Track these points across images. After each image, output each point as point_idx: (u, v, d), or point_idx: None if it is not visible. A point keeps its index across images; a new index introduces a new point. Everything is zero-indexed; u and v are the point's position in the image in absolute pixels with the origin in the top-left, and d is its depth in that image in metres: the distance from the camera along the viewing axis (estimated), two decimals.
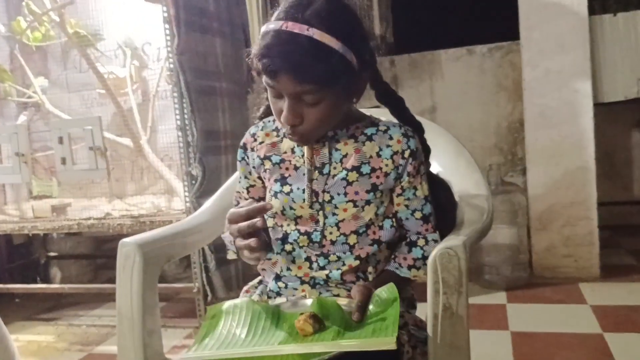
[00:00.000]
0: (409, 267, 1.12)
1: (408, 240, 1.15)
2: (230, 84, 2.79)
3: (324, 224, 1.10)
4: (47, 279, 3.45)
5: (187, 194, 2.55)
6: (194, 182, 2.53)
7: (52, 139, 2.71)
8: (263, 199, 1.20)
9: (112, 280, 1.27)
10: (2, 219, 2.99)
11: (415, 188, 1.12)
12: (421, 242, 1.13)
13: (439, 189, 1.20)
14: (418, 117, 1.21)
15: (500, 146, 3.53)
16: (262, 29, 0.99)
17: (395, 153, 1.10)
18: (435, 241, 1.13)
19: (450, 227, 1.17)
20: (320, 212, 1.10)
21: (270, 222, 1.15)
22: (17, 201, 3.18)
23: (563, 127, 2.88)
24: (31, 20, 2.98)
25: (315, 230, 1.11)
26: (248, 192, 1.22)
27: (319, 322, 0.96)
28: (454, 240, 1.00)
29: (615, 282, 2.83)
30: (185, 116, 2.50)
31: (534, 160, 2.96)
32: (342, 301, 1.01)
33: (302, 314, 0.98)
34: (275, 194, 1.13)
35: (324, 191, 1.10)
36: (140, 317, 1.22)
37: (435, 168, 1.35)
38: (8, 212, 3.11)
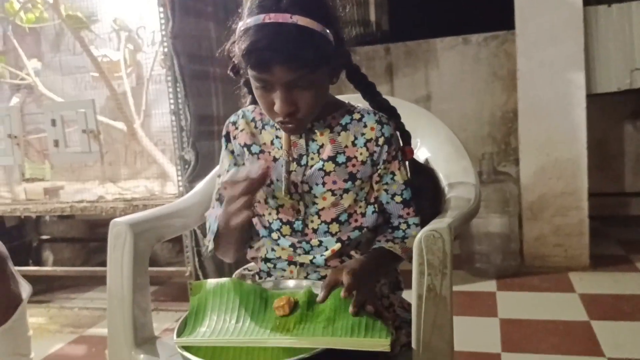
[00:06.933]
0: (387, 241, 1.13)
1: (391, 224, 1.17)
2: (224, 68, 2.77)
3: (305, 212, 1.13)
4: (39, 262, 3.45)
5: (180, 178, 2.56)
6: (187, 166, 2.54)
7: (45, 122, 2.70)
8: None
9: (104, 263, 1.29)
10: None
11: (393, 173, 1.14)
12: (403, 225, 1.16)
13: (422, 177, 1.21)
14: (410, 103, 1.21)
15: (493, 136, 3.54)
16: (240, 28, 1.00)
17: (369, 141, 1.11)
18: (417, 225, 1.15)
19: (433, 214, 1.17)
20: (301, 202, 1.12)
21: None
22: (9, 183, 3.16)
23: (556, 118, 2.88)
24: (24, 2, 2.96)
25: (297, 219, 1.13)
26: None
27: (293, 307, 0.99)
28: (439, 223, 1.01)
29: (604, 272, 2.86)
30: (179, 100, 2.50)
31: (527, 151, 2.97)
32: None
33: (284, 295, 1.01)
34: None
35: (302, 182, 1.12)
36: (131, 296, 1.23)
37: (424, 154, 1.36)
38: (0, 195, 3.11)
